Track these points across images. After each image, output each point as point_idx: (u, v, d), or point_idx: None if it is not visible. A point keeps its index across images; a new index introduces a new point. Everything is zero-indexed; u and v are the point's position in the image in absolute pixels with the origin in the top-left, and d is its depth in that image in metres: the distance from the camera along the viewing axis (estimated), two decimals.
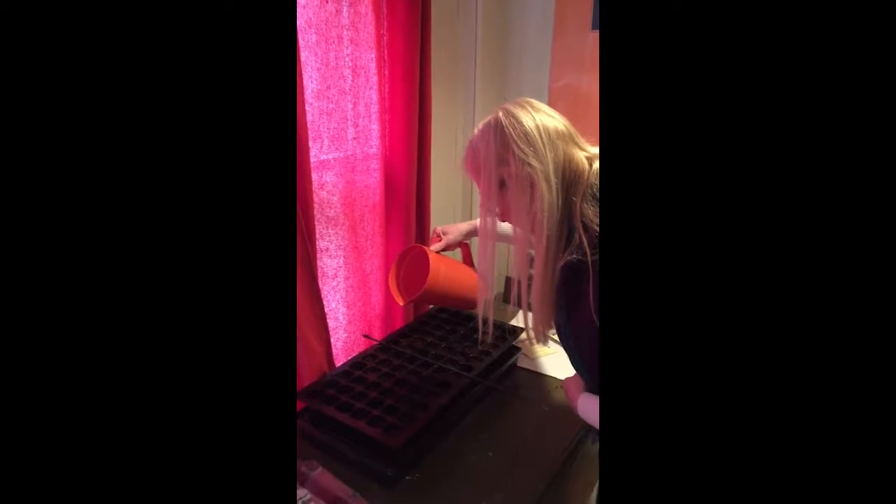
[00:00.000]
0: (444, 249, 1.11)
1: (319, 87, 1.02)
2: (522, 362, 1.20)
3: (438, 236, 1.12)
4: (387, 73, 1.16)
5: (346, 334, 1.25)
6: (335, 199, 1.13)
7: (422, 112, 1.19)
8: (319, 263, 1.11)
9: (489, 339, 1.08)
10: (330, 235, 1.14)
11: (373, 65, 1.13)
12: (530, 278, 0.73)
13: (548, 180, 0.67)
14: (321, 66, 1.01)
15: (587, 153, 0.71)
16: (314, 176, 1.03)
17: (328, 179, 1.10)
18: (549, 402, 1.06)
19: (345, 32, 1.05)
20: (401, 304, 1.10)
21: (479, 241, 0.82)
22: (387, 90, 1.17)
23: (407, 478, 0.86)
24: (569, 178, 0.69)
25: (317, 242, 1.07)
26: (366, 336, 1.24)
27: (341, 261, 1.19)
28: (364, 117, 1.16)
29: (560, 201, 0.68)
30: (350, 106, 1.11)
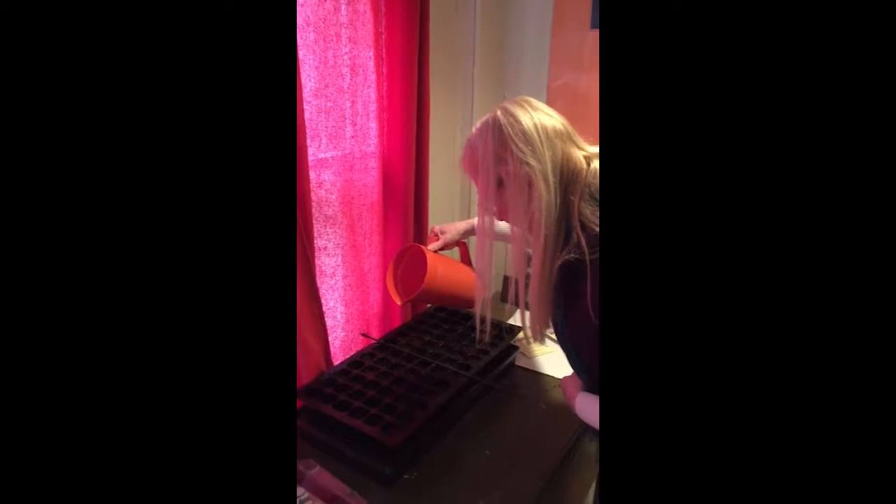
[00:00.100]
0: (441, 248, 1.11)
1: (317, 85, 1.02)
2: (520, 361, 1.20)
3: (436, 235, 1.12)
4: (385, 71, 1.16)
5: (343, 333, 1.25)
6: (333, 197, 1.13)
7: (420, 111, 1.19)
8: (317, 262, 1.10)
9: (487, 338, 1.08)
10: (328, 234, 1.14)
11: (371, 63, 1.13)
12: (528, 277, 0.73)
13: (546, 179, 0.67)
14: (319, 64, 1.01)
15: (585, 152, 0.71)
16: (312, 174, 1.03)
17: (326, 178, 1.10)
18: (546, 401, 1.06)
19: (343, 31, 1.05)
20: (399, 303, 1.10)
21: (477, 240, 0.82)
22: (385, 89, 1.17)
23: (405, 476, 0.86)
24: (567, 177, 0.69)
25: (315, 241, 1.07)
26: (364, 335, 1.24)
27: (339, 259, 1.19)
28: (362, 116, 1.15)
29: (558, 200, 0.68)
30: (348, 104, 1.11)
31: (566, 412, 0.83)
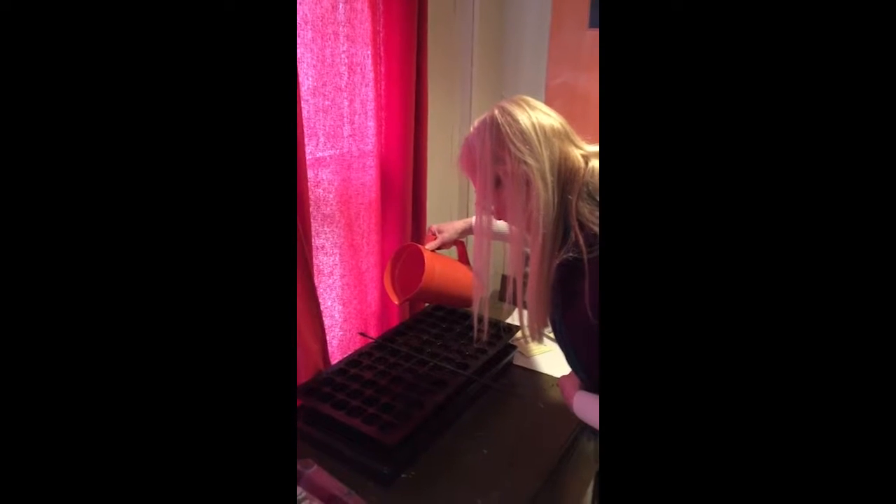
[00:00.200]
0: (439, 247, 1.11)
1: (315, 83, 1.01)
2: (518, 360, 1.20)
3: (434, 234, 1.12)
4: (383, 70, 1.15)
5: (341, 332, 1.25)
6: (331, 196, 1.12)
7: (418, 109, 1.19)
8: (315, 261, 1.10)
9: (485, 337, 1.08)
10: (326, 233, 1.14)
11: (369, 62, 1.13)
12: (526, 276, 0.73)
13: (543, 178, 0.67)
14: (317, 62, 1.00)
15: (583, 151, 0.71)
16: (310, 173, 1.03)
17: (324, 177, 1.10)
18: (544, 400, 1.06)
19: (341, 29, 1.04)
20: (396, 303, 1.10)
21: (475, 240, 0.82)
22: (383, 87, 1.17)
23: (403, 476, 0.86)
24: (565, 176, 0.69)
25: (312, 240, 1.07)
26: (361, 334, 1.24)
27: (337, 258, 1.19)
28: (360, 114, 1.15)
29: (556, 199, 0.68)
30: (346, 103, 1.11)
31: (564, 411, 0.83)
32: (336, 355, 1.20)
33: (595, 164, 0.69)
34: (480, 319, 0.85)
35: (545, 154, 0.67)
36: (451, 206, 1.57)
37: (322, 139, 1.07)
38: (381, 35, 1.13)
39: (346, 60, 1.07)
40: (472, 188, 0.78)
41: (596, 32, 1.42)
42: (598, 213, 0.66)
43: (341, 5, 1.03)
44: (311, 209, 1.02)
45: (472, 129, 0.75)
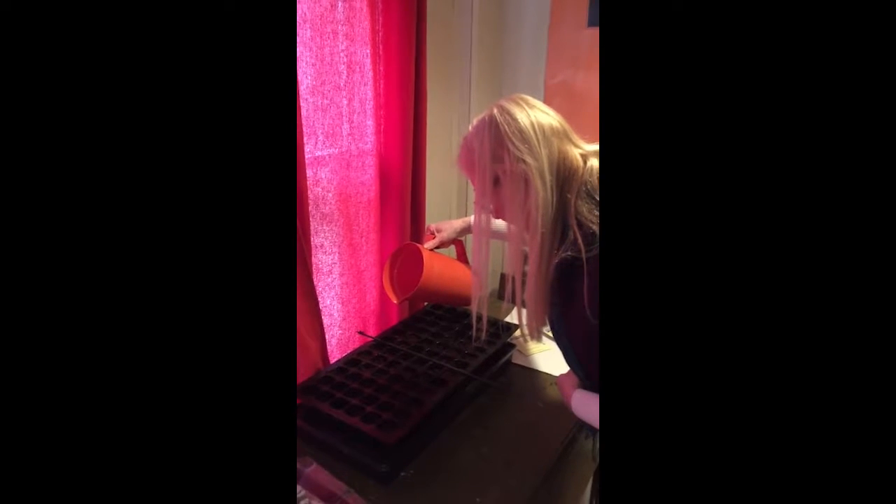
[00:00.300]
0: (438, 247, 1.11)
1: (314, 82, 1.01)
2: (517, 359, 1.20)
3: (432, 233, 1.12)
4: (382, 68, 1.15)
5: (340, 331, 1.25)
6: (330, 195, 1.12)
7: (417, 108, 1.19)
8: (314, 260, 1.10)
9: (483, 336, 1.08)
10: (325, 232, 1.14)
11: (368, 60, 1.13)
12: (524, 275, 0.73)
13: (542, 177, 0.67)
14: (316, 61, 1.00)
15: (582, 150, 0.71)
16: (309, 172, 1.03)
17: (323, 176, 1.10)
18: (543, 399, 1.07)
19: (339, 27, 1.04)
20: (395, 302, 1.10)
21: (474, 239, 0.82)
22: (382, 86, 1.17)
23: (402, 474, 0.86)
24: (563, 174, 0.69)
25: (311, 239, 1.07)
26: (360, 333, 1.24)
27: (336, 257, 1.19)
28: (359, 113, 1.15)
29: (554, 198, 0.68)
30: (345, 102, 1.10)
31: (562, 409, 0.84)
32: (335, 354, 1.20)
33: (593, 162, 0.69)
34: (479, 318, 0.86)
35: (544, 153, 0.68)
36: (449, 205, 1.57)
37: (321, 138, 1.07)
38: (380, 34, 1.13)
39: (345, 59, 1.07)
40: (471, 187, 0.78)
41: (594, 31, 1.41)
42: (596, 212, 0.66)
43: (340, 4, 1.03)
44: (310, 208, 1.01)
45: (470, 128, 0.75)
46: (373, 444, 0.84)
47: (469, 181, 0.78)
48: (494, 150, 0.69)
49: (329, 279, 1.18)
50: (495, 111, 0.70)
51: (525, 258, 0.73)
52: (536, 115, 0.69)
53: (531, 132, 0.68)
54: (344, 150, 1.14)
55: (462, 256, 1.17)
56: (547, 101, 0.73)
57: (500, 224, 0.86)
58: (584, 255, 0.64)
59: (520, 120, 0.68)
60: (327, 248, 1.16)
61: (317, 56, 1.00)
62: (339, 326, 1.25)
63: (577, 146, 0.71)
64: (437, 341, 1.14)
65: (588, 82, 1.46)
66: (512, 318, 1.32)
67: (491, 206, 0.75)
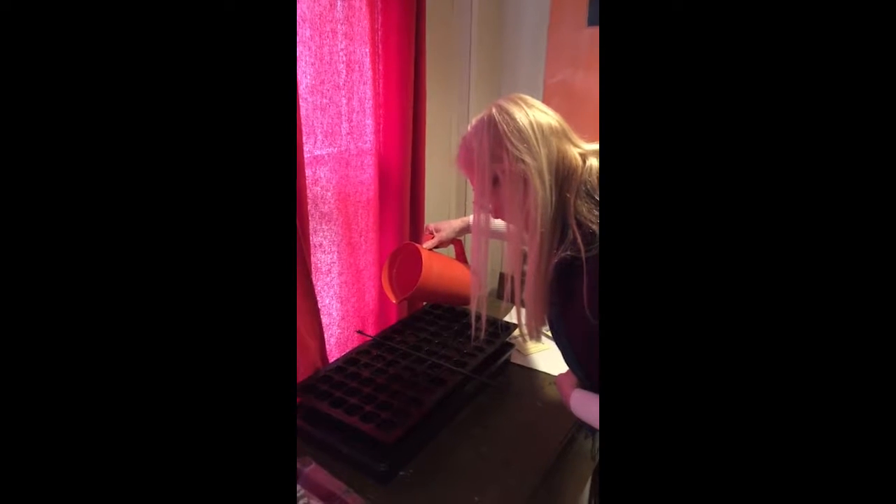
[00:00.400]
0: (437, 246, 1.11)
1: (313, 81, 1.01)
2: (516, 358, 1.20)
3: (431, 233, 1.12)
4: (381, 68, 1.15)
5: (339, 330, 1.25)
6: (329, 194, 1.12)
7: (416, 107, 1.19)
8: (313, 259, 1.10)
9: (482, 336, 1.08)
10: (324, 231, 1.14)
11: (367, 60, 1.13)
12: (523, 275, 0.73)
13: (541, 177, 0.67)
14: (315, 60, 1.00)
15: (581, 149, 0.71)
16: (308, 171, 1.03)
17: (322, 175, 1.10)
18: (542, 398, 1.07)
19: (339, 27, 1.04)
20: (394, 301, 1.10)
21: (473, 238, 0.82)
22: (381, 85, 1.17)
23: (401, 473, 0.86)
24: (562, 174, 0.69)
25: (310, 238, 1.07)
26: (359, 332, 1.24)
27: (335, 256, 1.19)
28: (358, 112, 1.15)
29: (553, 198, 0.68)
30: (344, 101, 1.10)
31: (561, 409, 0.84)
32: (334, 353, 1.20)
33: (592, 162, 0.69)
34: (478, 317, 0.86)
35: (543, 152, 0.68)
36: (448, 205, 1.57)
37: (320, 137, 1.07)
38: (380, 33, 1.13)
39: (345, 58, 1.07)
40: (470, 186, 0.78)
41: (594, 30, 1.42)
42: (596, 212, 0.66)
43: (339, 3, 1.03)
44: (309, 207, 1.01)
45: (469, 127, 0.75)
46: (372, 443, 0.84)
47: (468, 181, 0.78)
48: (493, 150, 0.69)
49: (328, 278, 1.18)
50: (494, 111, 0.70)
51: (524, 258, 0.73)
52: (535, 114, 0.69)
53: (530, 132, 0.68)
54: (343, 149, 1.14)
55: (461, 256, 1.17)
56: (546, 101, 0.73)
57: (499, 224, 0.86)
58: (583, 255, 0.64)
59: (519, 119, 0.68)
60: (326, 248, 1.15)
61: (316, 55, 1.00)
62: (338, 326, 1.25)
63: (576, 145, 0.71)
64: (436, 340, 1.14)
65: (587, 82, 1.46)
66: (511, 317, 1.32)
67: (490, 206, 0.75)
